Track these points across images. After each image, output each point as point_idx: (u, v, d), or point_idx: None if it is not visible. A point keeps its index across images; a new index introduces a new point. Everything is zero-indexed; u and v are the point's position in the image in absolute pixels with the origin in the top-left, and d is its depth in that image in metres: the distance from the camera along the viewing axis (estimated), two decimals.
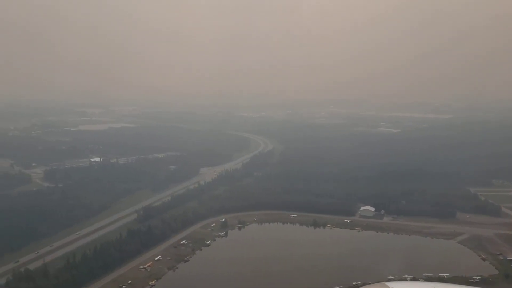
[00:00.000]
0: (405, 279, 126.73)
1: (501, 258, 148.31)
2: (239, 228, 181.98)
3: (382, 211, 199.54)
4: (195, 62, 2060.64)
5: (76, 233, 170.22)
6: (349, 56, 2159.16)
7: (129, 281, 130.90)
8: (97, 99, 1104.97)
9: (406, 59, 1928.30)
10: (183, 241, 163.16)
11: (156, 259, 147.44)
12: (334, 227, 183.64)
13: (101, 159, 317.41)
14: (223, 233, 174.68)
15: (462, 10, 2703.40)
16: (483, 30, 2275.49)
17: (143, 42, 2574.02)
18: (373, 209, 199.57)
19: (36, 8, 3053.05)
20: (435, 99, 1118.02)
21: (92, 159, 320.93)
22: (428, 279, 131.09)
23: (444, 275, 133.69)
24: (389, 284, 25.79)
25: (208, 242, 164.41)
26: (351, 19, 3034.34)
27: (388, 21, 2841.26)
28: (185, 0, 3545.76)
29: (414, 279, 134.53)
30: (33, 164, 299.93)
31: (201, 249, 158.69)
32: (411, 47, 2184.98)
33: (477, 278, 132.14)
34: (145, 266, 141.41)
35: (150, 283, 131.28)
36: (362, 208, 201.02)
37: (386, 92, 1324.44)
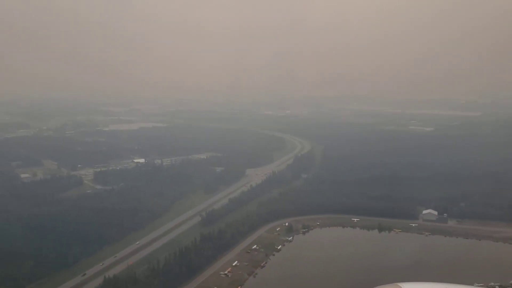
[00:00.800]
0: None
1: None
2: (304, 233, 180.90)
3: (445, 214, 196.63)
4: (210, 58, 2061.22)
5: (137, 243, 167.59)
6: (361, 48, 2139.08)
7: None
8: (117, 98, 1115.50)
9: (420, 52, 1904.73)
10: (255, 246, 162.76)
11: (233, 264, 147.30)
12: (400, 231, 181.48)
13: (146, 161, 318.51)
14: (290, 238, 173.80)
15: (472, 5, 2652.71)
16: (496, 23, 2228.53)
17: (157, 39, 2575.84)
18: (435, 212, 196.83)
19: (48, 7, 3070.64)
20: (455, 95, 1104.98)
21: (135, 160, 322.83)
22: None
23: None
24: (401, 284, 25.75)
25: (278, 247, 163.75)
26: (363, 10, 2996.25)
27: (401, 13, 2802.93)
28: None
29: (501, 286, 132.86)
30: (79, 165, 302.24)
31: (273, 255, 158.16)
32: (425, 41, 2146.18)
33: None
34: (225, 272, 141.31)
35: None
36: (424, 212, 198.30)
37: (400, 87, 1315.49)
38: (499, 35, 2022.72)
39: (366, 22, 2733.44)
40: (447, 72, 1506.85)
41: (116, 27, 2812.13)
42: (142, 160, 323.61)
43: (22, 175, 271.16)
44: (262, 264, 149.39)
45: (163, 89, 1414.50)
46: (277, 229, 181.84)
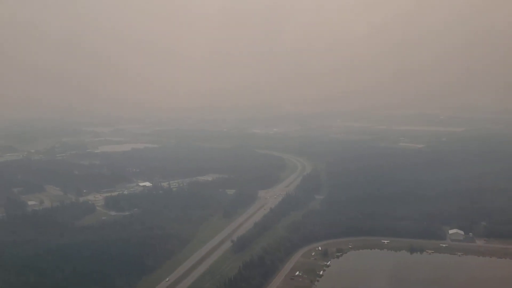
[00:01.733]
0: None
1: None
2: (338, 257, 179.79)
3: (470, 233, 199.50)
4: (186, 79, 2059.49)
5: (175, 272, 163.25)
6: (340, 67, 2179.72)
7: None
8: (98, 118, 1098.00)
9: (397, 71, 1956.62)
10: (297, 272, 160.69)
11: None
12: (432, 252, 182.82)
13: (152, 184, 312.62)
14: (328, 262, 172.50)
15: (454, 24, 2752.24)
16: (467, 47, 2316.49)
17: (129, 58, 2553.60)
18: (462, 232, 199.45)
19: (13, 22, 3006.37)
20: (431, 110, 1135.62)
21: (141, 184, 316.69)
22: None
23: None
24: None
25: (320, 273, 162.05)
26: (341, 31, 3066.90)
27: (377, 35, 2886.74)
28: (176, 17, 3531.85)
29: None
30: (84, 191, 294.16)
31: (317, 280, 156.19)
32: (402, 59, 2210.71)
33: None
34: None
35: None
36: (451, 232, 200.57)
37: (379, 104, 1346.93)
38: (470, 59, 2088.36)
39: (343, 43, 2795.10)
40: (422, 90, 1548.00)
41: (89, 46, 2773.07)
42: (147, 184, 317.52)
43: (30, 203, 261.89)
44: None
45: (141, 109, 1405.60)
46: (312, 254, 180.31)
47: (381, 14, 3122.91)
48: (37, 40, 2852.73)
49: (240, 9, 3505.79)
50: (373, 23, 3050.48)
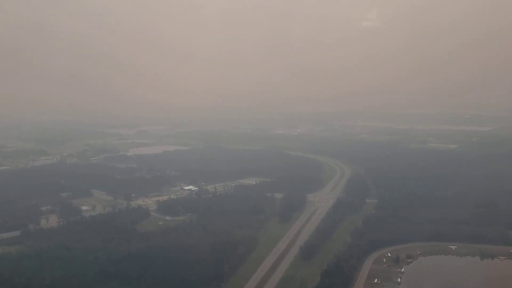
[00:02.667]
0: None
1: None
2: (408, 263, 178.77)
3: None
4: (197, 78, 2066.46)
5: (251, 280, 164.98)
6: (350, 65, 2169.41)
7: None
8: (118, 120, 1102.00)
9: (413, 68, 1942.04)
10: (376, 280, 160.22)
11: None
12: (505, 258, 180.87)
13: (198, 188, 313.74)
14: (402, 269, 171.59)
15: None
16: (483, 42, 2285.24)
17: (141, 59, 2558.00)
18: None
19: (26, 23, 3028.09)
20: (451, 109, 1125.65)
21: (186, 188, 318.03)
22: None
23: None
24: None
25: (398, 280, 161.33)
26: (355, 26, 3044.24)
27: (394, 28, 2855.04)
28: (186, 16, 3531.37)
29: None
30: (133, 195, 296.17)
31: None
32: (407, 59, 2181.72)
33: None
34: None
35: None
36: None
37: (394, 102, 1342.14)
38: (485, 54, 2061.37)
39: (354, 39, 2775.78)
40: (436, 88, 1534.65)
41: (100, 47, 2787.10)
42: (191, 187, 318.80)
43: (83, 208, 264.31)
44: None
45: (156, 109, 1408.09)
46: (383, 260, 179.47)
47: (395, 7, 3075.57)
48: (46, 41, 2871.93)
49: (250, 7, 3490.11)
50: (386, 18, 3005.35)
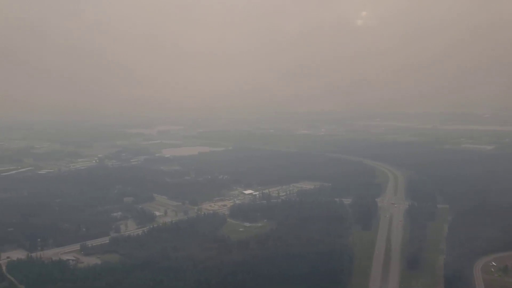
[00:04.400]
0: None
1: None
2: None
3: None
4: (197, 78, 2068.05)
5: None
6: (345, 59, 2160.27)
7: None
8: (133, 120, 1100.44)
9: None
10: None
11: None
12: None
13: (259, 192, 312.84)
14: None
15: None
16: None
17: (142, 60, 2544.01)
18: None
19: (24, 24, 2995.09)
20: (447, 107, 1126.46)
21: (246, 192, 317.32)
22: None
23: None
24: None
25: None
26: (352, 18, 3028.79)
27: (391, 22, 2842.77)
28: (183, 15, 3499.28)
29: None
30: (198, 200, 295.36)
31: None
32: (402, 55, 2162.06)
33: None
34: None
35: None
36: None
37: (403, 99, 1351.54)
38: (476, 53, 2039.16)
39: (350, 33, 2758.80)
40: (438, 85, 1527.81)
41: (97, 48, 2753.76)
42: (251, 191, 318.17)
43: (157, 213, 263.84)
44: None
45: (162, 109, 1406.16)
46: (491, 270, 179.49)
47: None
48: (40, 41, 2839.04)
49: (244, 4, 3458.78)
50: (383, 11, 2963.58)
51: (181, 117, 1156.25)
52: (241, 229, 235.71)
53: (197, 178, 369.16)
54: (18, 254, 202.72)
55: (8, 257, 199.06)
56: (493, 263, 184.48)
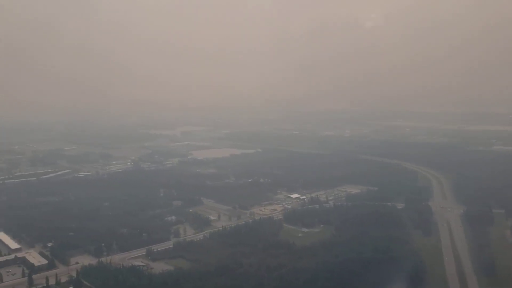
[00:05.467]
0: None
1: None
2: None
3: None
4: (195, 76, 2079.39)
5: None
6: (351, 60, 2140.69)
7: None
8: (151, 121, 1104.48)
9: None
10: None
11: None
12: None
13: (307, 196, 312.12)
14: None
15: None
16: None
17: (138, 56, 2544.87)
18: None
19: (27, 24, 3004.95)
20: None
21: (293, 196, 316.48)
22: None
23: None
24: None
25: None
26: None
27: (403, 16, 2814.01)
28: (189, 15, 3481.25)
29: None
30: (247, 204, 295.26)
31: None
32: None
33: None
34: None
35: None
36: None
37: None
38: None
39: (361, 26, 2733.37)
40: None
41: (103, 48, 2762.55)
42: (297, 195, 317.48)
43: (211, 217, 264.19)
44: None
45: (176, 109, 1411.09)
46: None
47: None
48: (50, 40, 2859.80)
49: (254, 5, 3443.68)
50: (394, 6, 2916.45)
51: (197, 118, 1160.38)
52: (300, 235, 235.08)
53: (238, 181, 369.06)
54: (85, 259, 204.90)
55: (77, 262, 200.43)
56: None
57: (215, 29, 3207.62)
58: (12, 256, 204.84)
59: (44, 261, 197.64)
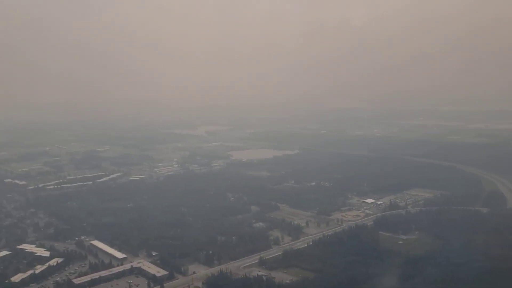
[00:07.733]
0: None
1: None
2: None
3: None
4: (192, 76, 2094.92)
5: None
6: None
7: None
8: (168, 121, 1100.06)
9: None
10: None
11: None
12: None
13: (382, 202, 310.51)
14: None
15: None
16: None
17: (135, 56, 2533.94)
18: None
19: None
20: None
21: (367, 201, 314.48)
22: None
23: None
24: None
25: None
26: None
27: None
28: (183, 14, 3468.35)
29: None
30: (317, 208, 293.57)
31: None
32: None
33: None
34: None
35: None
36: None
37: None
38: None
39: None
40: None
41: (101, 47, 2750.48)
42: (372, 200, 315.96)
43: (297, 222, 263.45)
44: None
45: (185, 109, 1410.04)
46: None
47: None
48: (50, 41, 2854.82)
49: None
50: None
51: (211, 117, 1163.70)
52: (400, 242, 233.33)
53: (300, 185, 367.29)
54: (198, 269, 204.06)
55: (194, 272, 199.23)
56: None
57: (215, 29, 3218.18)
58: (128, 266, 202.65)
59: (163, 272, 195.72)
